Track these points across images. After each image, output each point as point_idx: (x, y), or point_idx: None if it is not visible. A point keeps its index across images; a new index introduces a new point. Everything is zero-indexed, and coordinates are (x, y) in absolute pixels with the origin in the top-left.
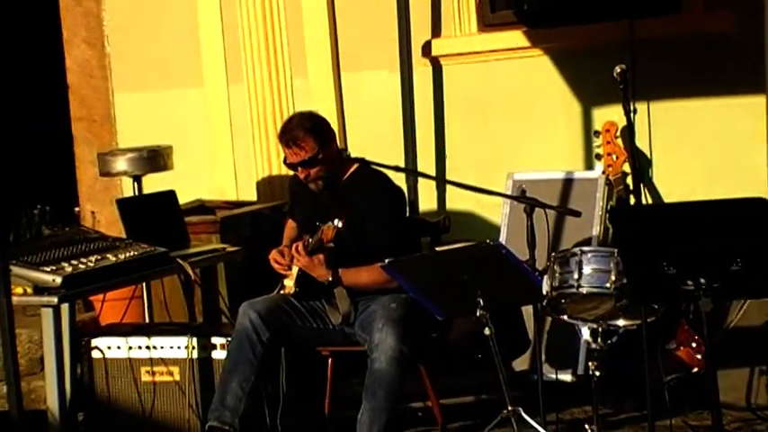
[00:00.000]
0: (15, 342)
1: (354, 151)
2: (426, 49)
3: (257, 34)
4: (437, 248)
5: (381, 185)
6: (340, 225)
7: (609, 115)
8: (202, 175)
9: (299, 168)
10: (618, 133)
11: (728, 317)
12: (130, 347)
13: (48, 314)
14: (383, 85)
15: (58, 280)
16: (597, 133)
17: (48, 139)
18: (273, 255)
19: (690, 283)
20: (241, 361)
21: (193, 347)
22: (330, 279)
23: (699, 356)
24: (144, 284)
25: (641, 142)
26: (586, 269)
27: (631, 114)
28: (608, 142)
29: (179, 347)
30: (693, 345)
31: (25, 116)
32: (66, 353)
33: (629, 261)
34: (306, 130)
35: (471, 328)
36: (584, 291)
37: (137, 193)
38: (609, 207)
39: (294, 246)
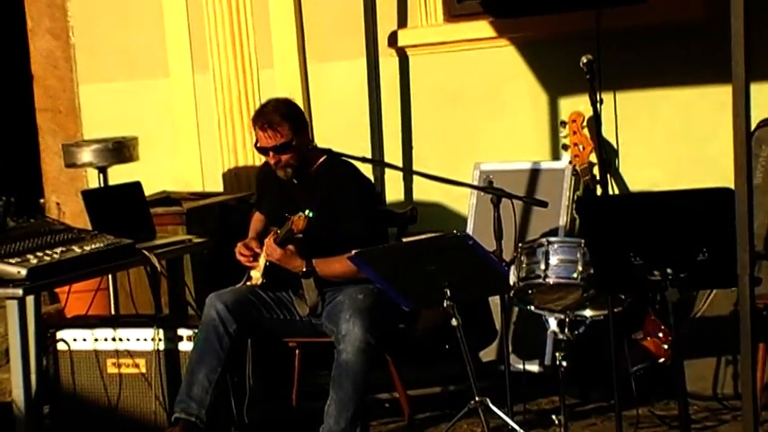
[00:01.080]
0: None
1: (321, 142)
2: (393, 39)
3: (223, 24)
4: (404, 239)
5: (350, 176)
6: (311, 215)
7: (575, 105)
8: (168, 166)
9: (271, 153)
10: (584, 123)
11: (695, 307)
12: (96, 339)
13: (13, 306)
14: (349, 75)
15: (23, 272)
16: (564, 123)
17: (12, 130)
18: (239, 248)
19: (656, 273)
20: (208, 352)
21: (160, 339)
22: (304, 269)
23: (665, 346)
24: (110, 276)
25: (608, 132)
26: (553, 260)
27: (598, 105)
28: (574, 132)
29: (145, 339)
30: (660, 335)
31: None
32: (32, 345)
33: (595, 251)
34: (282, 116)
35: (438, 319)
36: (550, 281)
37: (102, 185)
38: (575, 197)
39: (266, 240)
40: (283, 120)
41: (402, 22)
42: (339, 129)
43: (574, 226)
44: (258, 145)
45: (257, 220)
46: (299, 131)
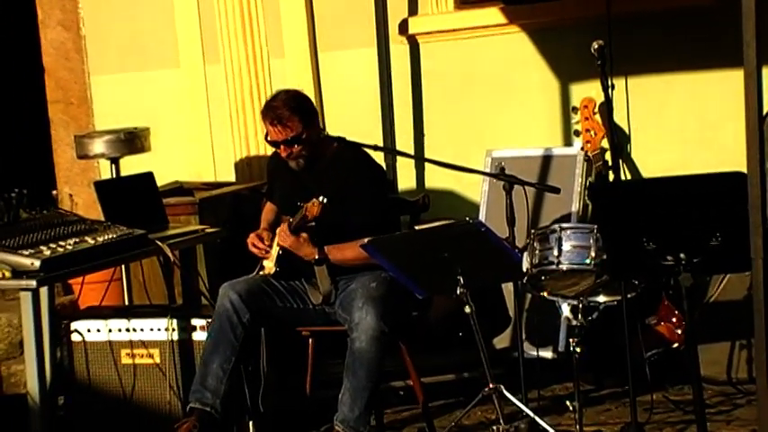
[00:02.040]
0: None
1: (332, 131)
2: (403, 27)
3: (234, 14)
4: (417, 227)
5: (363, 164)
6: (325, 201)
7: (587, 91)
8: (180, 156)
9: (282, 146)
10: (596, 109)
11: (708, 291)
12: (110, 330)
13: (27, 298)
14: (360, 64)
15: (37, 263)
16: (575, 109)
17: (24, 121)
18: (251, 239)
19: (669, 258)
20: (222, 342)
21: (173, 329)
22: (317, 257)
23: (679, 331)
24: (123, 267)
25: (619, 118)
26: (566, 246)
27: (609, 90)
28: (586, 118)
29: (159, 329)
30: (674, 320)
31: (1, 99)
32: (46, 336)
33: (608, 237)
34: (291, 110)
35: (452, 307)
36: (564, 267)
37: (114, 176)
38: (588, 183)
39: (279, 228)
40: (293, 113)
41: (413, 9)
42: (350, 117)
43: (586, 212)
44: (269, 138)
45: (269, 210)
46: (310, 123)
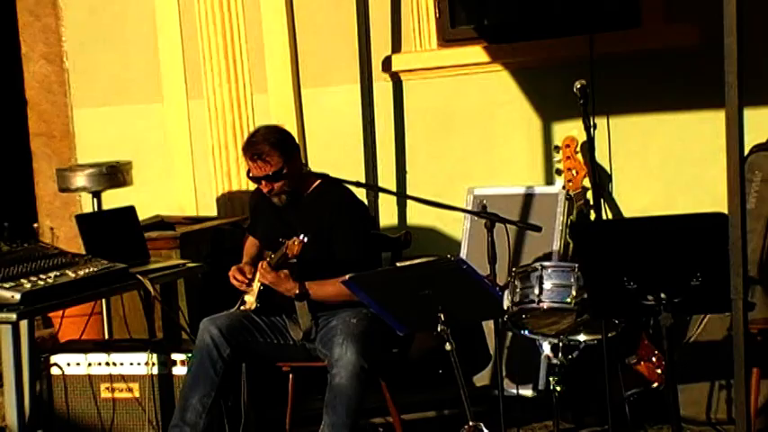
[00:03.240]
0: None
1: (315, 167)
2: (386, 64)
3: (217, 50)
4: (398, 264)
5: (346, 200)
6: (306, 240)
7: (569, 130)
8: (162, 190)
9: (263, 182)
10: (578, 148)
11: (689, 331)
12: (90, 364)
13: (6, 331)
14: (343, 100)
15: (17, 296)
16: (557, 148)
17: (6, 154)
18: (233, 272)
19: (650, 297)
20: (202, 377)
21: (153, 364)
22: (297, 292)
23: (659, 371)
24: (103, 301)
25: (601, 157)
26: (547, 284)
27: (591, 129)
28: (568, 157)
29: (139, 364)
30: (654, 359)
31: None
32: (26, 369)
33: (589, 276)
34: (272, 145)
35: (432, 344)
36: (544, 306)
37: (96, 209)
38: (569, 222)
39: (260, 264)
40: (273, 149)
41: (396, 47)
42: (333, 153)
43: (567, 251)
44: (250, 174)
45: (251, 244)
46: (290, 158)
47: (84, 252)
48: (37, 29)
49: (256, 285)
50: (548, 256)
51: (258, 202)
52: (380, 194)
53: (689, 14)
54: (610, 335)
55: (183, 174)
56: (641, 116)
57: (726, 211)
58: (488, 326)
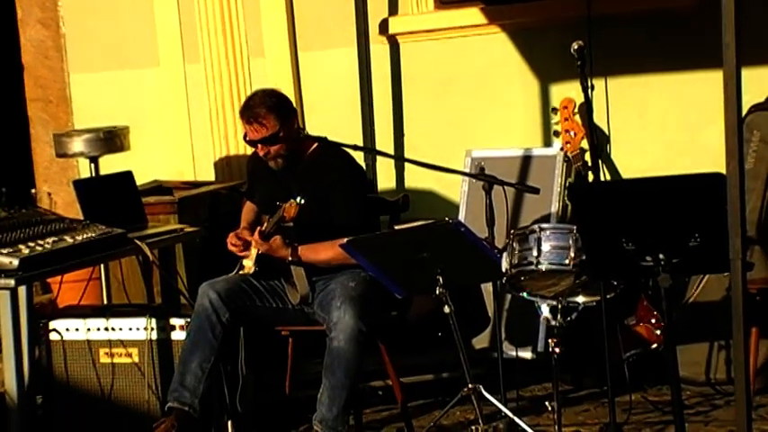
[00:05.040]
0: None
1: (312, 130)
2: (383, 27)
3: (214, 14)
4: (396, 227)
5: (344, 163)
6: (303, 202)
7: (566, 92)
8: (160, 155)
9: (260, 145)
10: (576, 110)
11: (687, 292)
12: (89, 329)
13: (5, 297)
14: (340, 63)
15: (15, 262)
16: (555, 110)
17: (2, 120)
18: (231, 239)
19: (648, 258)
20: (201, 341)
21: (152, 329)
22: (290, 258)
23: (658, 332)
24: (102, 266)
25: (599, 119)
26: (545, 246)
27: (589, 91)
28: (566, 119)
29: (138, 329)
30: (652, 320)
31: None
32: (24, 335)
33: (587, 237)
34: (268, 108)
35: (431, 307)
36: (543, 268)
37: (93, 175)
38: (567, 184)
39: (255, 233)
40: (269, 111)
41: (393, 9)
42: (330, 117)
43: (566, 212)
44: (247, 138)
45: (249, 209)
46: (286, 121)
47: (81, 217)
48: None
49: (254, 250)
50: (546, 218)
51: (255, 166)
52: (378, 157)
53: None
54: (608, 296)
55: (180, 138)
56: (639, 77)
57: (724, 171)
58: (487, 288)
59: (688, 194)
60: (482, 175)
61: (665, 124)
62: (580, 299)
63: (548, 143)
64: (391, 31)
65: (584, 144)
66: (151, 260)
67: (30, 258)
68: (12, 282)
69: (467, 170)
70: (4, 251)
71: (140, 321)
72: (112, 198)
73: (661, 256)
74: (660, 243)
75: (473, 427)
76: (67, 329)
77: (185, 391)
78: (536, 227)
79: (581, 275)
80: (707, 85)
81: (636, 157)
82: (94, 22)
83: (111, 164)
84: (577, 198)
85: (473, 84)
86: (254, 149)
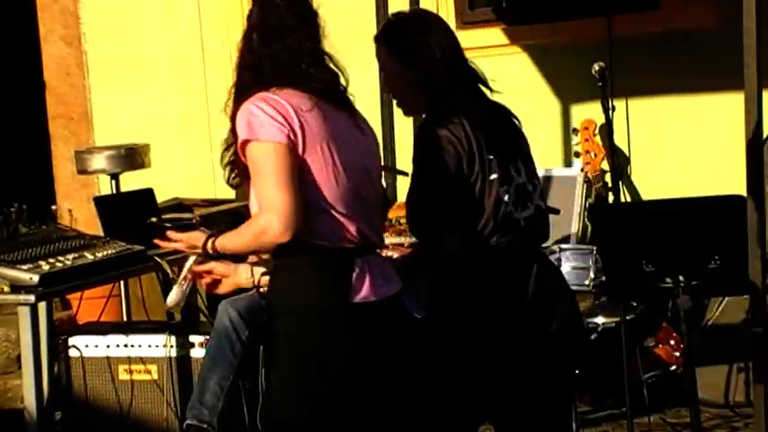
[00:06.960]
0: None
1: None
2: None
3: (236, 29)
4: None
5: None
6: None
7: (587, 113)
8: (180, 173)
9: None
10: (596, 131)
11: (707, 314)
12: (108, 346)
13: (25, 313)
14: (362, 84)
15: (36, 278)
16: (576, 131)
17: (24, 137)
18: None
19: (668, 280)
20: (220, 359)
21: (172, 346)
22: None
23: (677, 354)
24: (122, 283)
25: (620, 140)
26: (565, 267)
27: (610, 112)
28: (586, 140)
29: (157, 346)
30: (672, 342)
31: (1, 114)
32: (44, 351)
33: (607, 259)
34: None
35: None
36: None
37: (114, 191)
38: (587, 205)
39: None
40: None
41: None
42: None
43: (586, 233)
44: None
45: None
46: None
47: (102, 234)
48: (55, 11)
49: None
50: (566, 239)
51: None
52: (399, 177)
53: None
54: (628, 318)
55: (201, 156)
56: (660, 98)
57: (744, 194)
58: None
59: (708, 216)
60: None
61: (685, 146)
62: (600, 319)
63: (568, 164)
64: None
65: (605, 165)
66: (171, 277)
67: (50, 274)
68: (32, 298)
69: None
70: (25, 267)
71: (160, 338)
72: (133, 215)
73: (681, 278)
74: (680, 265)
75: None
76: (87, 346)
77: (204, 408)
78: (556, 247)
79: (600, 296)
80: (727, 106)
81: (656, 179)
82: (116, 40)
83: (131, 181)
84: (598, 219)
85: None
86: None
